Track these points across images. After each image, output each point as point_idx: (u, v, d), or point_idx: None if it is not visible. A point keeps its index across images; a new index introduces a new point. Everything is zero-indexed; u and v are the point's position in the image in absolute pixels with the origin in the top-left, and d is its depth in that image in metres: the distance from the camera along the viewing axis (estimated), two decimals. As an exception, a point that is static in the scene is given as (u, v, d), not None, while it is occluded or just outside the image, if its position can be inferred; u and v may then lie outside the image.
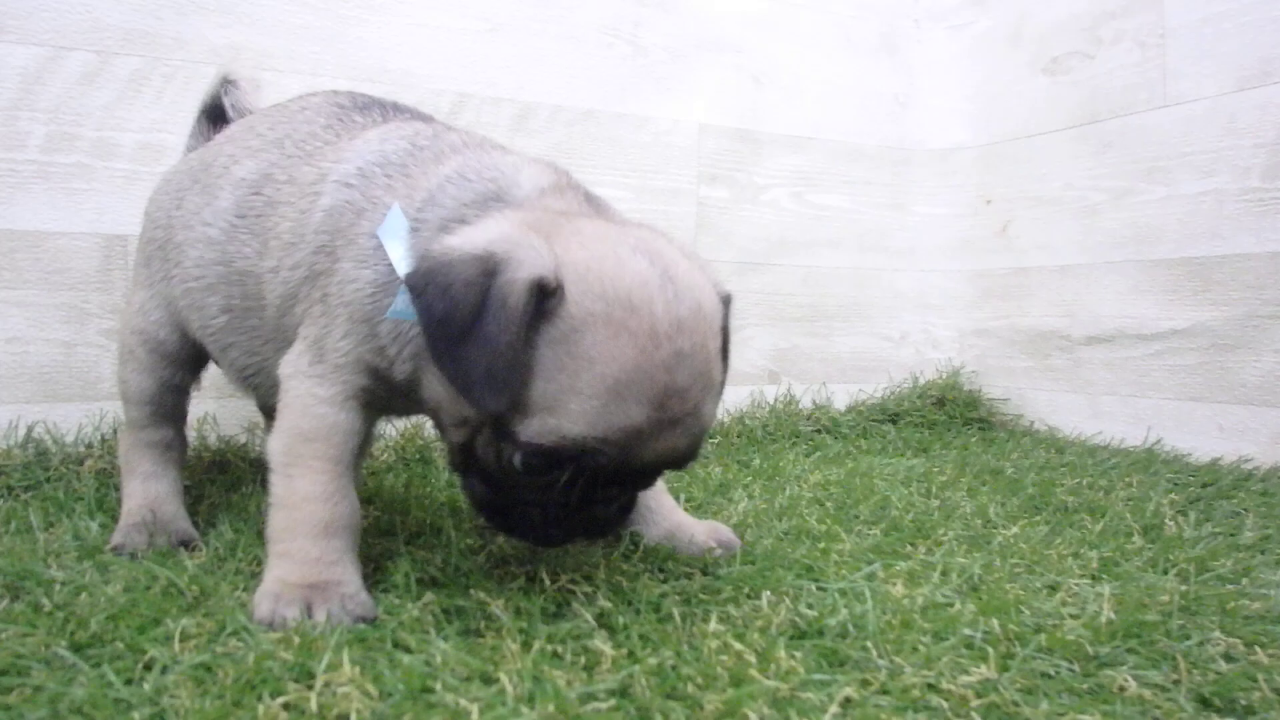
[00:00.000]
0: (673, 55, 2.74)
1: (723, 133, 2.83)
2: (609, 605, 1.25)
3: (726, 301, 1.28)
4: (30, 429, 2.05)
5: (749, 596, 1.32)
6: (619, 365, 1.09)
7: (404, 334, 1.25)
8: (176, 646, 1.12)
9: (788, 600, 1.30)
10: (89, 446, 2.08)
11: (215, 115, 1.83)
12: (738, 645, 1.10)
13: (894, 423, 2.85)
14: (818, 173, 2.98)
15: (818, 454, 2.45)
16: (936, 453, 2.53)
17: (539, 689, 1.00)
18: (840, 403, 2.96)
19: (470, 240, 1.16)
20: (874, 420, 2.84)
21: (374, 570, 1.39)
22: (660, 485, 1.58)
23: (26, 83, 2.02)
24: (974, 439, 2.73)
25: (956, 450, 2.54)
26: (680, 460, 1.20)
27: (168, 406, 1.69)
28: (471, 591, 1.28)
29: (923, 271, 3.16)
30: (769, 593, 1.31)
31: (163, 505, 1.64)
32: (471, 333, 1.08)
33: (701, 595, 1.32)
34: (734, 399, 2.82)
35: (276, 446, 1.32)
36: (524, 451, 1.13)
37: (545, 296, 1.09)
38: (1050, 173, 2.85)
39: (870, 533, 1.67)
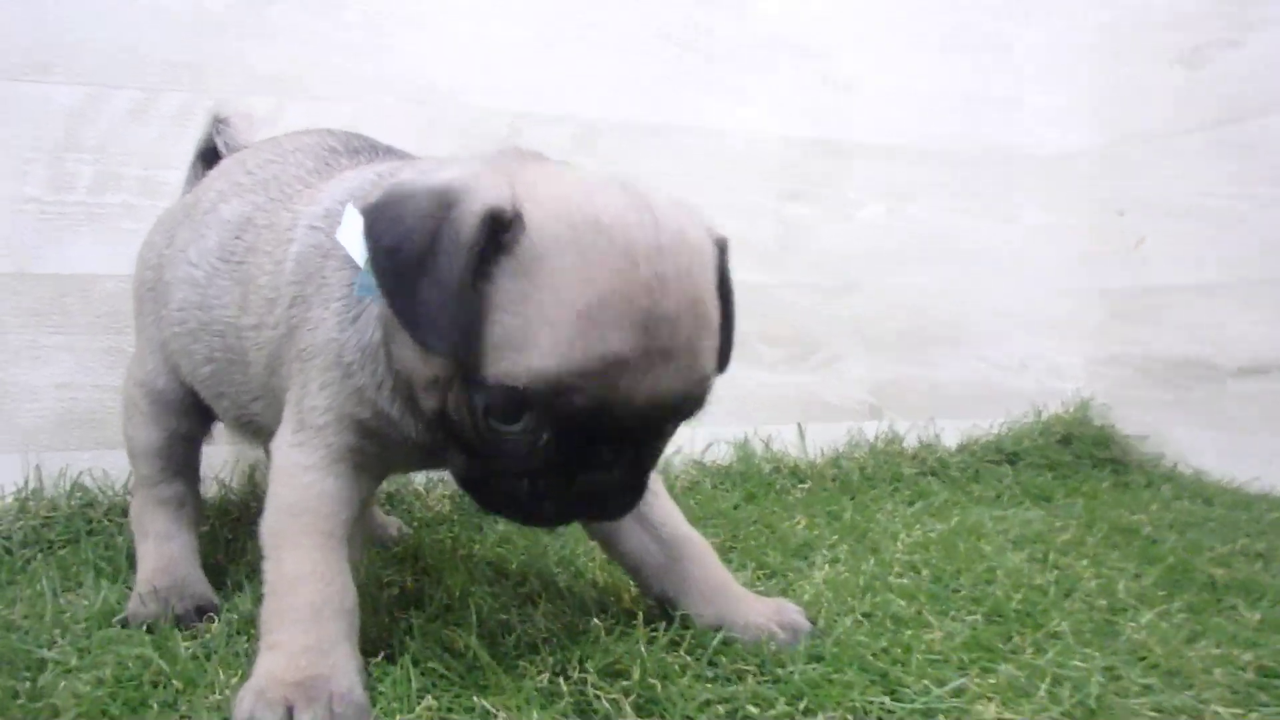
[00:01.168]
0: (747, 62, 2.51)
1: (806, 144, 2.58)
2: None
3: (721, 245, 1.14)
4: (77, 478, 1.98)
5: (806, 714, 1.10)
6: (592, 288, 0.96)
7: (370, 347, 1.15)
8: None
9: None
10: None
11: (210, 158, 1.76)
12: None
13: (1012, 463, 2.55)
14: (915, 184, 2.70)
15: (920, 503, 2.18)
16: (1060, 502, 2.23)
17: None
18: (950, 440, 2.67)
19: (428, 176, 1.07)
20: (989, 461, 2.55)
21: (383, 658, 1.23)
22: (712, 558, 1.38)
23: (73, 123, 1.97)
24: (1105, 484, 2.41)
25: (1084, 499, 2.22)
26: (679, 406, 1.04)
27: (178, 459, 1.60)
28: (476, 698, 1.10)
29: (1038, 289, 2.83)
30: (828, 714, 1.09)
31: (178, 567, 1.53)
32: (423, 269, 0.97)
33: (750, 707, 1.10)
34: (828, 437, 2.57)
35: (265, 526, 1.20)
36: (491, 396, 1.00)
37: (502, 229, 0.98)
38: (1184, 178, 2.51)
39: (968, 619, 1.41)
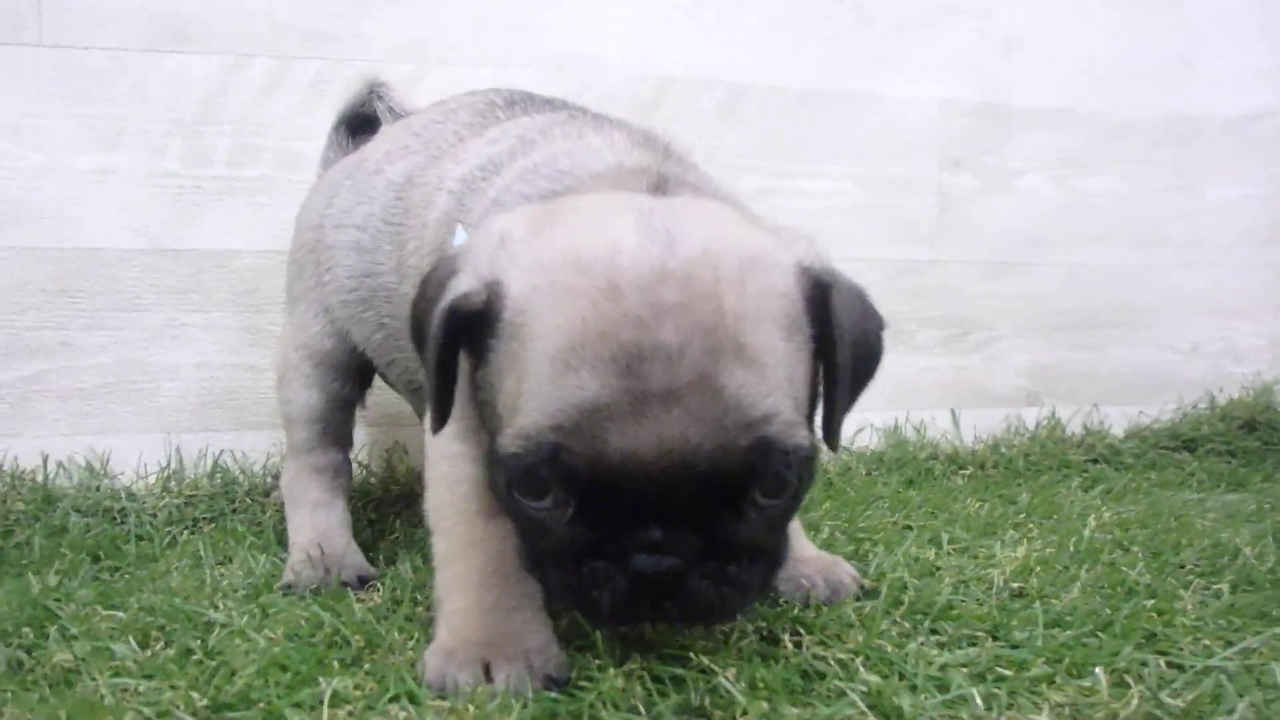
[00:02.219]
0: (904, 22, 2.35)
1: (967, 109, 2.41)
2: (878, 680, 0.91)
3: (819, 280, 0.93)
4: (218, 458, 1.93)
5: (1072, 674, 0.95)
6: (564, 329, 0.85)
7: None
8: (325, 713, 0.88)
9: (1131, 681, 0.92)
10: (275, 476, 1.94)
11: (356, 126, 1.72)
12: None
13: (1190, 450, 2.33)
14: (1082, 152, 2.49)
15: (1100, 488, 2.00)
16: (1258, 487, 2.01)
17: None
18: (1117, 427, 2.46)
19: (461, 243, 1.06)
20: (1163, 448, 2.34)
21: (562, 627, 1.12)
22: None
23: (210, 95, 1.94)
24: (1303, 470, 2.18)
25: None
26: (692, 457, 0.82)
27: (336, 425, 1.55)
28: (692, 656, 0.98)
29: (1218, 267, 2.60)
30: (1100, 669, 0.94)
31: (334, 538, 1.47)
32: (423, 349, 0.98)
33: (1001, 669, 0.96)
34: (986, 423, 2.39)
35: (428, 504, 1.14)
36: (504, 468, 0.89)
37: (483, 308, 0.92)
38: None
39: (1214, 588, 1.24)
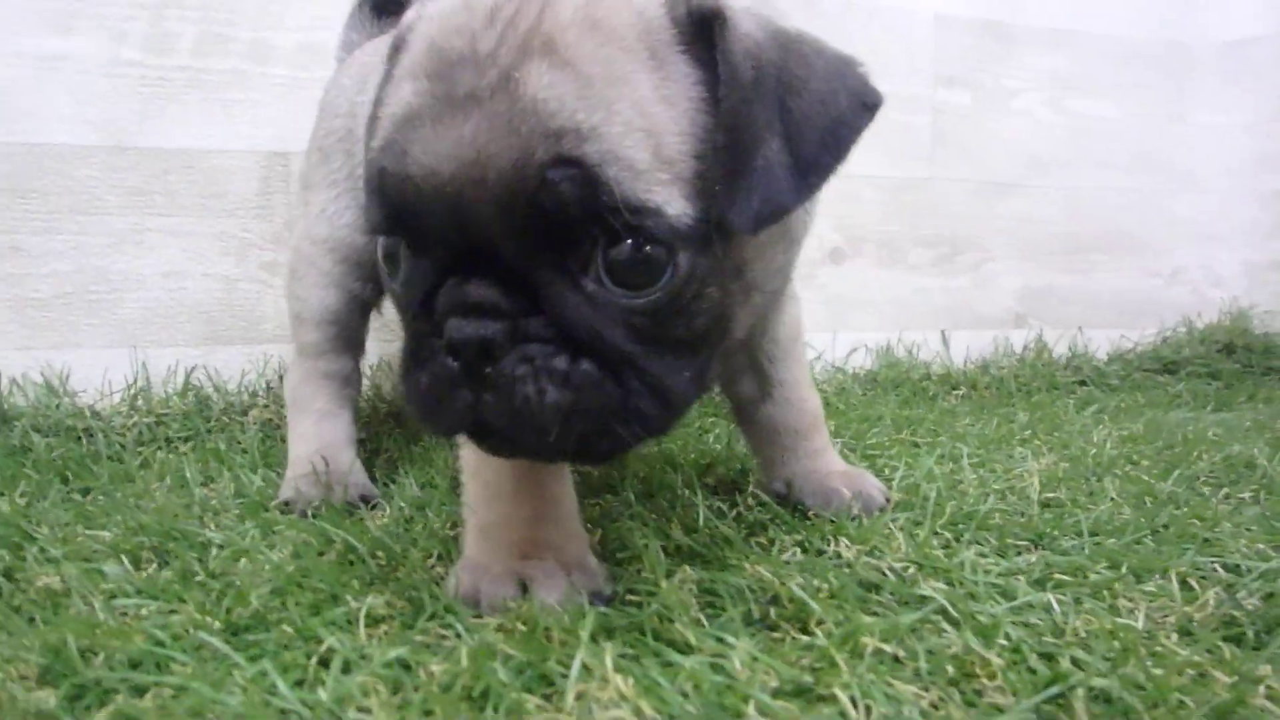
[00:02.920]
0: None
1: (965, 25, 2.34)
2: (943, 587, 0.87)
3: (701, 11, 0.77)
4: (189, 374, 1.82)
5: (1135, 579, 0.92)
6: (412, 49, 0.80)
7: None
8: (362, 634, 0.81)
9: (1195, 585, 0.90)
10: (253, 395, 1.83)
11: (381, 5, 1.57)
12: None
13: (1172, 373, 2.35)
14: (1080, 75, 2.45)
15: (1093, 407, 1.99)
16: (1246, 406, 2.03)
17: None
18: (1099, 350, 2.46)
19: None
20: (1146, 370, 2.35)
21: (596, 539, 1.06)
22: (809, 420, 1.24)
23: (175, -24, 1.77)
24: (1283, 390, 2.21)
25: (1278, 407, 2.01)
26: (483, 170, 0.70)
27: (350, 329, 1.43)
28: (747, 566, 0.93)
29: (1202, 194, 2.60)
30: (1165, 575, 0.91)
31: (338, 452, 1.36)
32: None
33: (1061, 576, 0.93)
34: (975, 345, 2.37)
35: None
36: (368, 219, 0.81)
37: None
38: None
39: (1238, 497, 1.23)
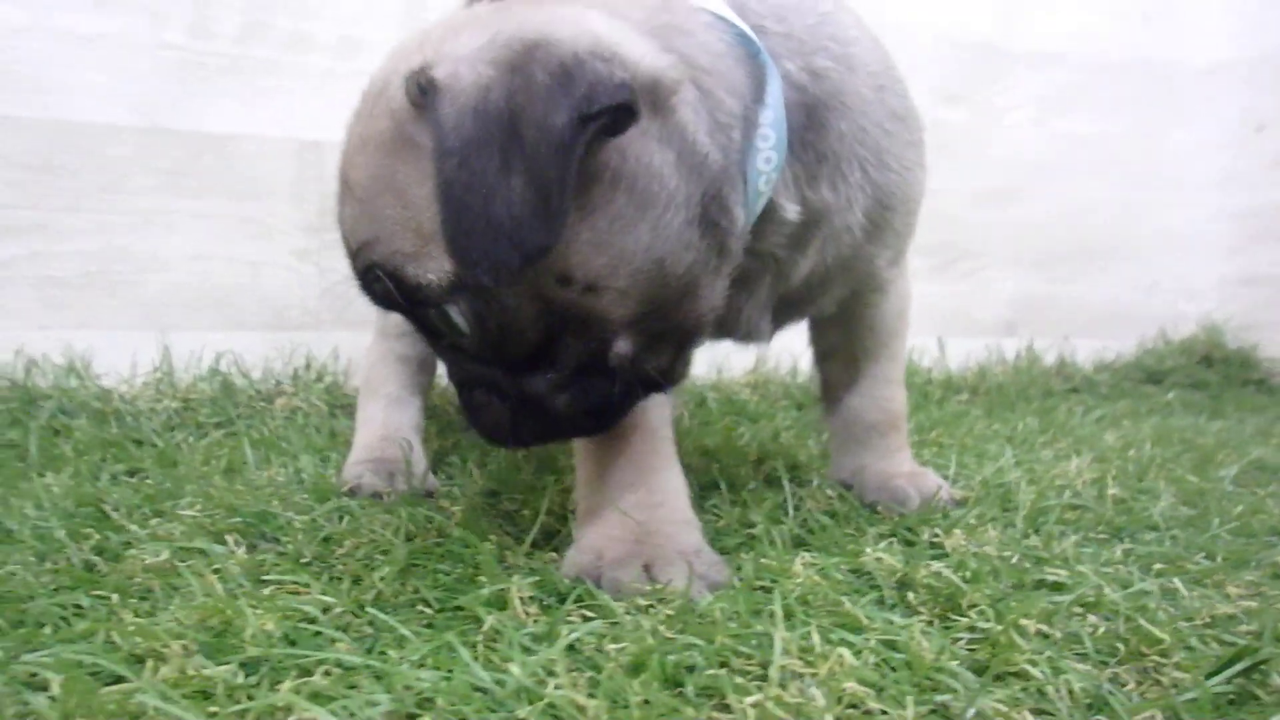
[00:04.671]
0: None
1: (964, 45, 2.44)
2: (1064, 574, 0.91)
3: (420, 85, 0.79)
4: (219, 359, 1.79)
5: (1230, 568, 0.97)
6: None
7: None
8: (520, 611, 0.82)
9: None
10: (277, 382, 1.81)
11: None
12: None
13: (1156, 383, 2.46)
14: (1064, 94, 2.57)
15: (1097, 413, 2.07)
16: (1235, 415, 2.13)
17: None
18: (1082, 360, 2.56)
19: None
20: (1133, 380, 2.45)
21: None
22: (888, 418, 1.28)
23: (220, -41, 1.75)
24: (1264, 400, 2.32)
25: (1270, 416, 2.11)
26: (369, 252, 0.84)
27: None
28: (868, 551, 0.96)
29: (1176, 209, 2.73)
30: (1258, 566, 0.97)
31: (403, 441, 1.34)
32: None
33: (1156, 564, 0.98)
34: (970, 351, 2.45)
35: None
36: None
37: None
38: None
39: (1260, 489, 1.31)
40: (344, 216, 0.87)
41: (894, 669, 0.70)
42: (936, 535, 1.05)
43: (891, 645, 0.73)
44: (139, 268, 1.76)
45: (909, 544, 1.06)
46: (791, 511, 1.11)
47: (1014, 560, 0.98)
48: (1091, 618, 0.81)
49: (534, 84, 0.74)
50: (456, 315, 0.83)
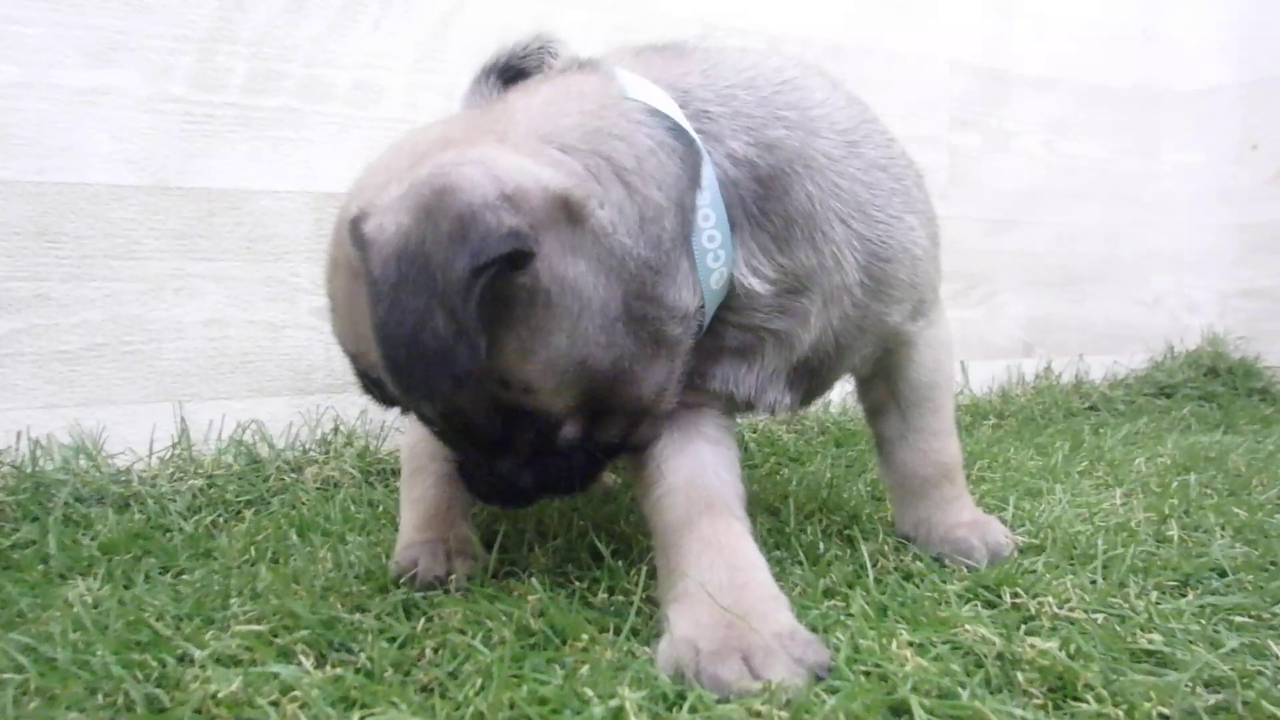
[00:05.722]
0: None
1: (973, 71, 2.44)
2: (1159, 638, 0.88)
3: (354, 235, 0.87)
4: (243, 429, 1.69)
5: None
6: None
7: None
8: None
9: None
10: (305, 450, 1.71)
11: (510, 77, 1.50)
12: None
13: (1168, 396, 2.47)
14: (1068, 117, 2.59)
15: (1122, 432, 2.07)
16: (1248, 429, 2.14)
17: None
18: (1094, 376, 2.58)
19: None
20: (1146, 395, 2.46)
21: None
22: (940, 470, 1.26)
23: (225, 7, 1.66)
24: (1270, 410, 2.34)
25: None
26: (369, 364, 0.95)
27: None
28: (962, 624, 0.91)
29: (1175, 226, 2.77)
30: None
31: (456, 519, 1.25)
32: None
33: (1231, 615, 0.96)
34: (988, 374, 2.44)
35: None
36: None
37: None
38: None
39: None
40: (334, 325, 1.00)
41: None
42: (1018, 596, 1.02)
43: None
44: (151, 337, 1.65)
45: (990, 605, 1.02)
46: (870, 572, 1.07)
47: (1100, 621, 0.94)
48: (1200, 690, 0.79)
49: (439, 232, 0.82)
50: (429, 413, 0.98)
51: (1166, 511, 1.37)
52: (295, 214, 1.71)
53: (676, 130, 0.98)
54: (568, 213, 0.89)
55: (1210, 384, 2.52)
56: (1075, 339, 2.60)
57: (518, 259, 0.84)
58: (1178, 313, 2.77)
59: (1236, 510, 1.37)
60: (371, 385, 0.99)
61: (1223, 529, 1.27)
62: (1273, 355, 2.64)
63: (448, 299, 0.81)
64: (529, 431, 0.96)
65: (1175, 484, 1.53)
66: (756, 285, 1.03)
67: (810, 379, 1.15)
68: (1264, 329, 2.67)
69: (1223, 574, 1.10)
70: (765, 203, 1.02)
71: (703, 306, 0.99)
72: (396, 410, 1.17)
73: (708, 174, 0.99)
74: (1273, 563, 1.14)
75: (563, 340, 0.90)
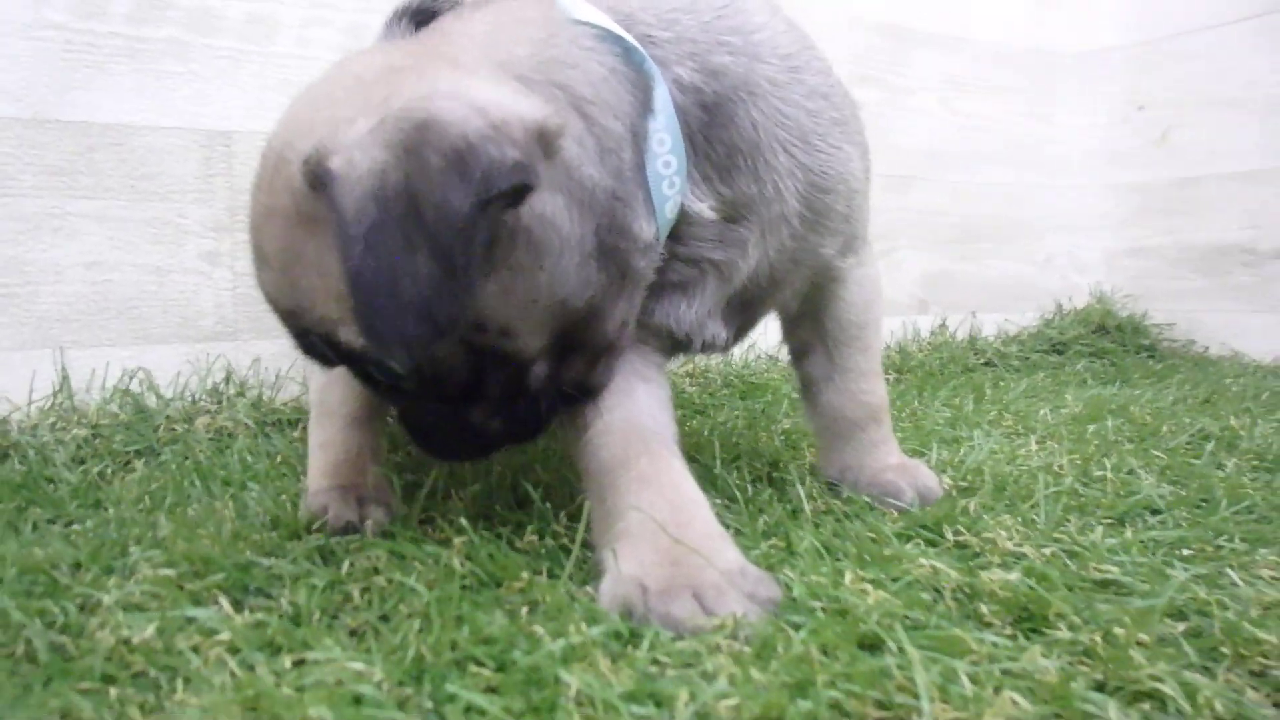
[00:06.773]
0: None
1: (874, 27, 2.46)
2: (1120, 569, 0.90)
3: (316, 175, 0.79)
4: (129, 378, 1.61)
5: (1250, 547, 1.00)
6: None
7: None
8: (602, 665, 0.73)
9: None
10: (194, 400, 1.65)
11: (422, 19, 1.44)
12: None
13: (1060, 353, 2.56)
14: (966, 77, 2.64)
15: (1021, 386, 2.13)
16: (1145, 383, 2.23)
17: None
18: (989, 333, 2.65)
19: None
20: (1039, 351, 2.54)
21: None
22: (867, 412, 1.26)
23: (105, -71, 1.56)
24: (1184, 368, 2.42)
25: (1177, 384, 2.21)
26: (293, 317, 0.89)
27: None
28: (905, 560, 0.93)
29: (1066, 188, 2.85)
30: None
31: (366, 464, 1.21)
32: None
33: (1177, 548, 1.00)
34: (887, 330, 2.49)
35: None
36: None
37: None
38: (1227, 71, 2.56)
39: (1251, 469, 1.35)
40: (264, 282, 0.89)
41: (1032, 703, 0.67)
42: (960, 534, 1.04)
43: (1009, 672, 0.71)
44: (27, 279, 1.56)
45: (932, 544, 1.03)
46: (807, 513, 1.08)
47: (1049, 554, 0.96)
48: (1168, 619, 0.81)
49: (429, 168, 0.76)
50: (400, 366, 0.88)
51: (1089, 454, 1.40)
52: (182, 151, 1.63)
53: (625, 55, 0.95)
54: (544, 144, 0.84)
55: (1100, 341, 2.62)
56: (969, 297, 2.67)
57: (518, 196, 0.79)
58: (1067, 272, 2.86)
59: (1156, 453, 1.40)
60: (314, 345, 0.89)
61: (1146, 470, 1.30)
62: (1159, 313, 2.75)
63: (439, 239, 0.74)
64: (500, 374, 0.92)
65: (1090, 431, 1.57)
66: (705, 210, 1.01)
67: (743, 313, 1.14)
68: (1150, 287, 2.78)
69: (1156, 511, 1.12)
70: (710, 130, 1.00)
71: (658, 237, 0.97)
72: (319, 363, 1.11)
73: (662, 98, 0.96)
74: (1204, 499, 1.17)
75: (544, 279, 0.87)
